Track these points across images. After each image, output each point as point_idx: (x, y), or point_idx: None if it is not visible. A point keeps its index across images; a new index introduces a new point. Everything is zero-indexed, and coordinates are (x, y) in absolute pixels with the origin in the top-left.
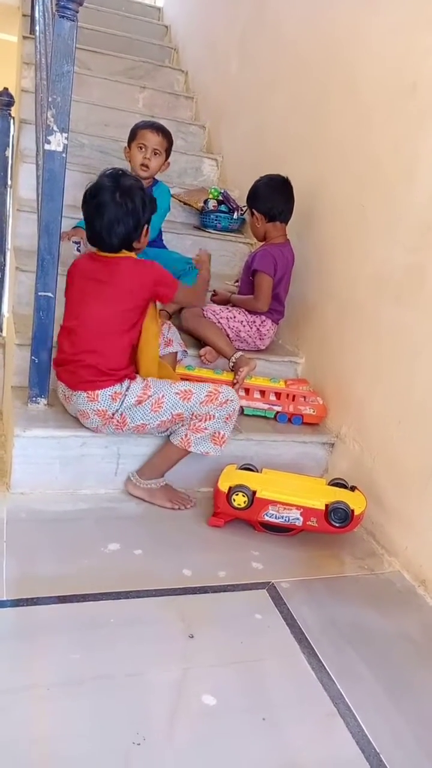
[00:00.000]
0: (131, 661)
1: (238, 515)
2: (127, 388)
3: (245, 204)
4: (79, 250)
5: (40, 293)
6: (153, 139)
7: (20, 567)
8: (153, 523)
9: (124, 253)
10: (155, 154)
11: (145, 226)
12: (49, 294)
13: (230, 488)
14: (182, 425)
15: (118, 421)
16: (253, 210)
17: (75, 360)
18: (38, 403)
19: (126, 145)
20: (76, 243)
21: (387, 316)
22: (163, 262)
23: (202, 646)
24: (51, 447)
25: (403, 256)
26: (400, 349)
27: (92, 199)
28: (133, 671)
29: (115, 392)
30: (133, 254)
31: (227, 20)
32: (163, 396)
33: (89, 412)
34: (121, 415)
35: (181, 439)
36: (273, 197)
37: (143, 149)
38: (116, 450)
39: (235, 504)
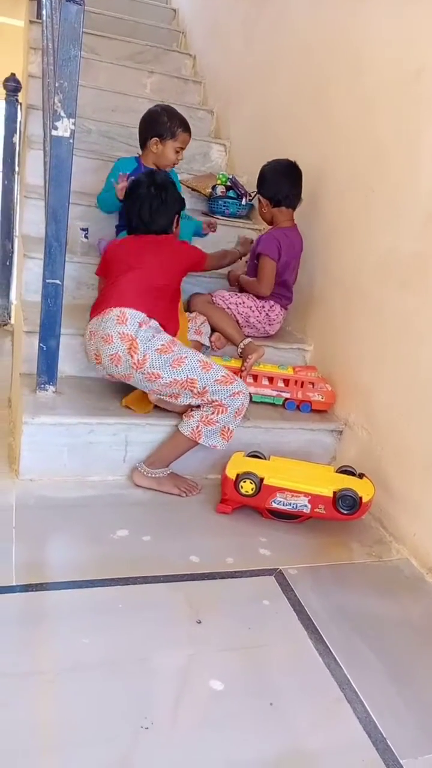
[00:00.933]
0: (139, 647)
1: (245, 502)
2: (156, 327)
3: (253, 190)
4: (86, 237)
5: (48, 280)
6: (188, 141)
7: (29, 553)
8: (161, 509)
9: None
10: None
11: (177, 216)
12: (57, 281)
13: (238, 475)
14: (193, 417)
15: (138, 359)
16: (259, 195)
17: (121, 289)
18: (47, 391)
19: (155, 137)
20: (83, 230)
21: (393, 302)
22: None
23: (210, 631)
24: (59, 434)
25: (409, 243)
26: (407, 335)
27: (132, 193)
28: (140, 656)
29: (144, 320)
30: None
31: (233, 3)
32: (185, 357)
33: (113, 336)
34: (144, 354)
35: (192, 430)
36: (278, 182)
37: (180, 152)
38: (124, 437)
39: (243, 491)
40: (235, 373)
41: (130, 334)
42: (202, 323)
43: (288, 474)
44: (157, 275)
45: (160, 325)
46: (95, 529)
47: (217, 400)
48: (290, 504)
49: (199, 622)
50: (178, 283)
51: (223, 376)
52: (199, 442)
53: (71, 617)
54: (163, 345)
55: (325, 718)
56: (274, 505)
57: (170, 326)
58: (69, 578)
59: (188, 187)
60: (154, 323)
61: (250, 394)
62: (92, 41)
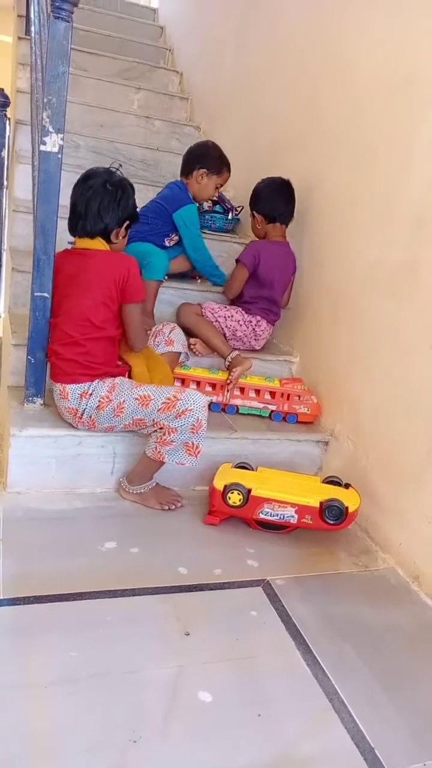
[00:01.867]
0: (127, 659)
1: (233, 513)
2: (94, 389)
3: (239, 205)
4: None
5: (36, 293)
6: (227, 182)
7: (17, 566)
8: (149, 521)
9: (99, 243)
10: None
11: (125, 224)
12: (45, 294)
13: (225, 486)
14: (151, 438)
15: (87, 421)
16: (254, 212)
17: (57, 352)
18: (34, 403)
19: (204, 169)
20: (71, 243)
21: (381, 313)
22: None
23: (198, 643)
24: (47, 446)
25: (397, 252)
26: (394, 346)
27: (83, 182)
28: (129, 669)
29: (83, 391)
30: (107, 247)
31: (222, 20)
32: (124, 401)
33: (62, 409)
34: (90, 416)
35: (153, 451)
36: (273, 199)
37: (217, 189)
38: (112, 449)
39: (231, 502)
40: (222, 386)
41: (73, 408)
42: (171, 331)
43: (275, 485)
44: (89, 307)
45: (102, 374)
46: (83, 541)
47: (165, 425)
48: (277, 515)
49: (188, 634)
50: (116, 314)
51: (164, 403)
52: (164, 461)
53: (59, 630)
54: (99, 401)
55: (313, 729)
56: (262, 516)
57: (114, 370)
58: (57, 591)
59: None
60: (93, 387)
61: (236, 406)
62: (80, 58)
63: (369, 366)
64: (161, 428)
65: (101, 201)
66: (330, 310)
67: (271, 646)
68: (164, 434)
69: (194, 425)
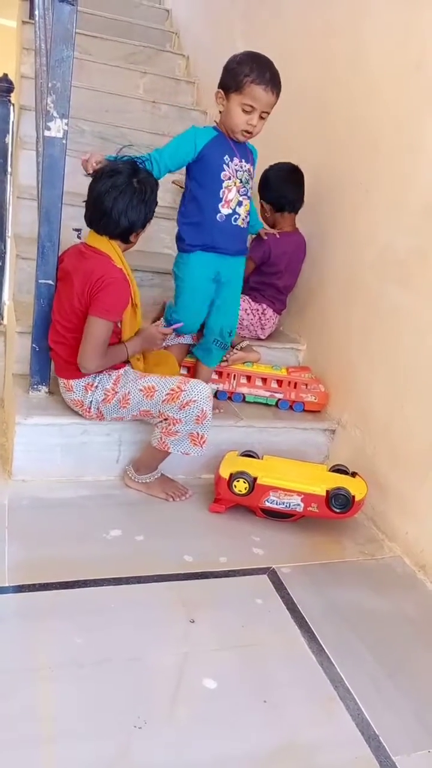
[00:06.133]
0: (132, 646)
1: (239, 501)
2: (99, 381)
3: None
4: (79, 237)
5: (40, 280)
6: (265, 101)
7: (22, 553)
8: (154, 509)
9: (111, 246)
10: (261, 118)
11: (146, 226)
12: (50, 281)
13: (231, 475)
14: (156, 428)
15: (96, 414)
16: (262, 201)
17: (55, 349)
18: (39, 391)
19: (219, 89)
20: (76, 230)
21: (391, 300)
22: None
23: (203, 630)
24: (52, 434)
25: (407, 238)
26: (402, 334)
27: (110, 177)
28: (134, 655)
29: (88, 383)
30: (116, 253)
31: (230, 2)
32: (128, 393)
33: (69, 401)
34: (98, 409)
35: (158, 441)
36: (281, 187)
37: (251, 111)
38: (118, 437)
39: (236, 490)
40: (228, 374)
41: (79, 400)
42: None
43: (281, 473)
44: (76, 309)
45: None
46: (88, 529)
47: (169, 416)
48: (283, 503)
49: (193, 621)
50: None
51: (168, 394)
52: (169, 451)
53: (64, 617)
54: (105, 395)
55: (317, 716)
56: (268, 504)
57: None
58: (62, 578)
59: (179, 186)
60: (99, 379)
61: (243, 394)
62: (85, 42)
63: (378, 354)
64: (166, 419)
65: (129, 200)
66: (339, 298)
67: (277, 634)
68: (169, 425)
69: (199, 416)
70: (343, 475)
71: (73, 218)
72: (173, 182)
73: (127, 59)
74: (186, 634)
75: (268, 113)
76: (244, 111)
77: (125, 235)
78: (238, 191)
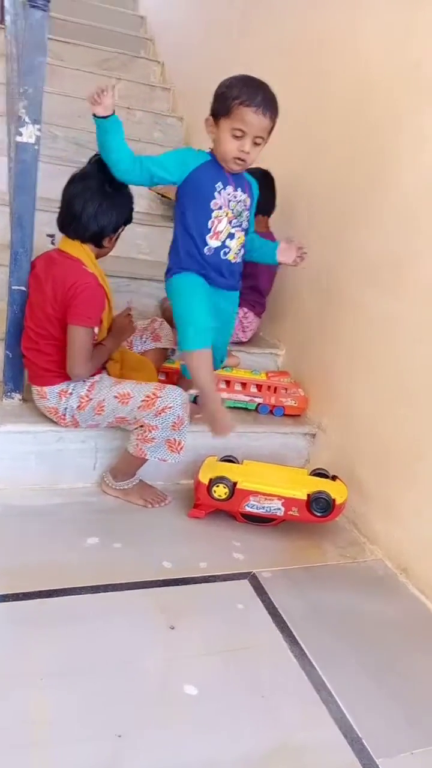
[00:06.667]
0: (112, 654)
1: (219, 506)
2: (74, 388)
3: None
4: (53, 243)
5: (13, 287)
6: (257, 124)
7: (0, 561)
8: (132, 516)
9: (84, 250)
10: (256, 144)
11: (120, 230)
12: (23, 288)
13: (211, 480)
14: (133, 434)
15: (70, 421)
16: None
17: (28, 356)
18: (13, 398)
19: (210, 116)
20: (50, 236)
21: (369, 305)
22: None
23: (184, 637)
24: (26, 442)
25: (389, 244)
26: (380, 338)
27: (81, 180)
28: (114, 664)
29: (62, 390)
30: (89, 258)
31: (206, 6)
32: (104, 399)
33: (43, 409)
34: (72, 416)
35: (135, 448)
36: None
37: (242, 137)
38: (94, 444)
39: (216, 495)
40: None
41: (54, 407)
42: (160, 326)
43: (261, 477)
44: (48, 316)
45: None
46: (65, 537)
47: (145, 423)
48: (264, 507)
49: (173, 628)
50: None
51: (143, 400)
52: (146, 458)
53: (42, 626)
54: (80, 401)
55: (300, 721)
56: (248, 509)
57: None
58: (40, 587)
59: (158, 194)
60: (73, 386)
61: (222, 398)
62: (58, 47)
63: (358, 358)
64: (142, 426)
65: (99, 204)
66: (317, 303)
67: (258, 639)
68: (145, 431)
69: (175, 422)
70: (323, 479)
71: (46, 224)
72: (152, 189)
73: (101, 65)
74: (166, 641)
75: (263, 139)
76: (234, 137)
77: (96, 239)
78: (230, 222)
